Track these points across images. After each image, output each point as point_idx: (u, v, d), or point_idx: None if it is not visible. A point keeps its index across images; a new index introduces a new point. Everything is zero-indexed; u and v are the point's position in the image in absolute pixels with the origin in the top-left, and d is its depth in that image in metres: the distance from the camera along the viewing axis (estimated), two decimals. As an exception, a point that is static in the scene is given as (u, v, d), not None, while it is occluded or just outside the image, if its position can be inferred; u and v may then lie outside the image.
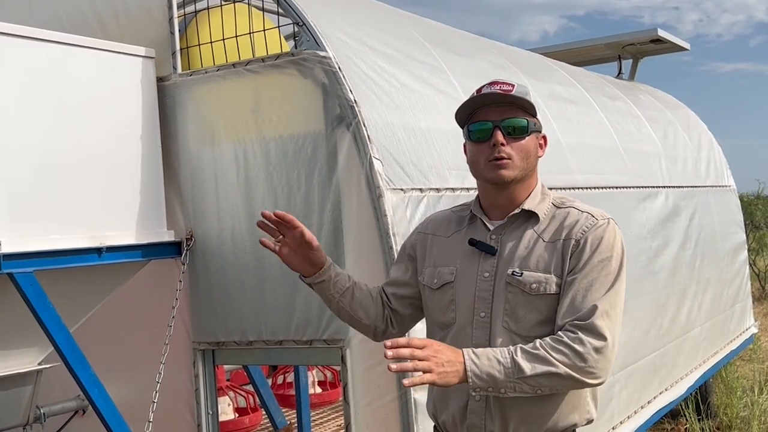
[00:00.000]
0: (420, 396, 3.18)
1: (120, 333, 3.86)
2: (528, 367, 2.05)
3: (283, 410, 5.11)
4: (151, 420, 3.39)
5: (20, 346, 3.33)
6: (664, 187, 6.09)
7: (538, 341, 2.10)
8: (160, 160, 3.64)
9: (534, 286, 2.19)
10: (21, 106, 3.10)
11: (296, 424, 5.01)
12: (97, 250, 3.29)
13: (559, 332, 2.12)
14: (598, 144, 5.46)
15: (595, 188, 4.98)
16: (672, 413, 6.42)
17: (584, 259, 2.17)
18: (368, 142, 3.25)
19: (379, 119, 3.36)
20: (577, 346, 2.07)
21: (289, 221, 2.33)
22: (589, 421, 2.29)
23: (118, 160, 3.46)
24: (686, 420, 6.45)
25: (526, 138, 2.23)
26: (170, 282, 3.64)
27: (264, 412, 5.30)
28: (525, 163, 2.23)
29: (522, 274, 2.20)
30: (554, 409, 2.21)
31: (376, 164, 3.24)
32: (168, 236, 3.62)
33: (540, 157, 2.30)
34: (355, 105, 3.28)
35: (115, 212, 3.42)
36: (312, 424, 5.29)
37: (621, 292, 2.18)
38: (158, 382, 3.44)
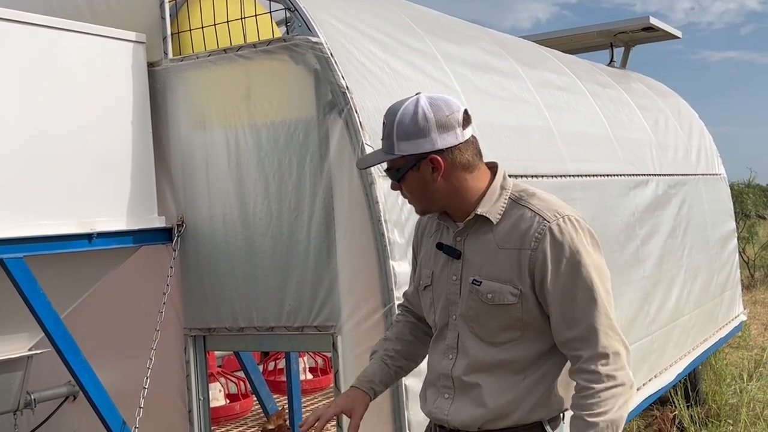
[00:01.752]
0: (411, 382, 3.19)
1: (111, 319, 3.85)
2: None
3: (275, 396, 5.12)
4: (142, 406, 3.39)
5: (10, 331, 3.33)
6: (655, 175, 6.10)
7: (584, 417, 2.05)
8: (150, 146, 3.63)
9: (490, 296, 2.16)
10: (9, 90, 3.07)
11: (287, 410, 5.02)
12: (88, 236, 3.28)
13: (583, 381, 2.09)
14: (589, 132, 5.47)
15: (586, 176, 4.98)
16: (661, 400, 6.45)
17: (551, 273, 2.11)
18: (360, 129, 3.24)
19: (371, 105, 3.35)
20: (608, 384, 2.06)
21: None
22: (562, 411, 2.25)
23: (108, 146, 3.44)
24: (675, 407, 6.49)
25: (406, 179, 2.20)
26: (161, 268, 3.63)
27: (255, 398, 5.31)
28: (421, 197, 2.22)
29: (481, 283, 2.18)
30: (519, 406, 2.19)
31: (368, 150, 3.23)
32: (159, 222, 3.62)
33: (440, 176, 2.16)
34: (347, 91, 3.27)
35: (106, 198, 3.41)
36: (303, 410, 5.28)
37: (604, 288, 2.14)
38: (149, 368, 3.44)
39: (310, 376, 6.12)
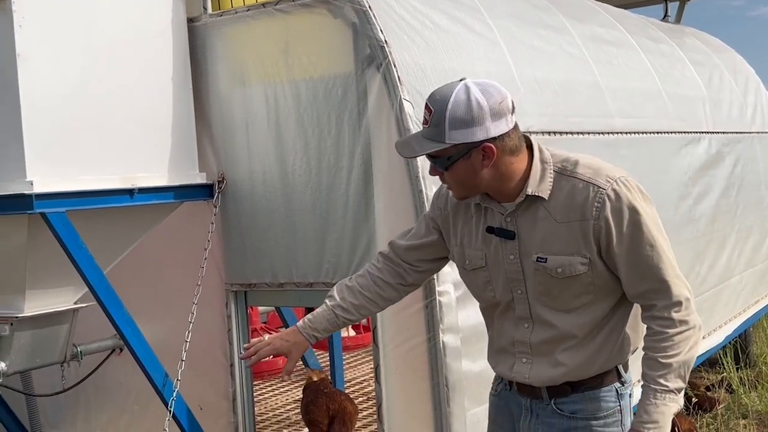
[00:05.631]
0: (449, 339, 3.18)
1: (153, 274, 3.91)
2: (678, 384, 2.17)
3: (316, 353, 5.17)
4: (185, 359, 3.44)
5: (56, 285, 3.39)
6: (708, 132, 5.93)
7: (658, 359, 2.16)
8: (191, 102, 3.64)
9: (560, 270, 2.21)
10: (50, 47, 3.09)
11: (329, 367, 5.07)
12: (129, 192, 3.31)
13: (657, 326, 2.18)
14: (639, 87, 5.32)
15: (635, 133, 4.86)
16: (710, 362, 6.36)
17: (615, 237, 2.16)
18: (398, 84, 3.19)
19: (410, 60, 3.30)
20: (681, 329, 2.17)
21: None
22: (634, 351, 2.35)
23: (149, 102, 3.45)
24: (724, 368, 6.39)
25: (451, 168, 2.18)
26: (202, 224, 3.66)
27: (298, 354, 5.36)
28: (466, 186, 2.22)
29: (546, 260, 2.21)
30: (597, 359, 2.28)
31: (407, 106, 3.19)
32: (200, 178, 3.63)
33: (489, 166, 2.15)
34: (385, 45, 3.22)
35: (147, 154, 3.43)
36: (345, 366, 5.34)
37: (664, 239, 2.20)
38: (191, 322, 3.48)
39: (352, 333, 6.17)
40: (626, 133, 4.76)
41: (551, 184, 2.21)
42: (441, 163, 2.19)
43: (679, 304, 2.18)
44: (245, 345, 2.59)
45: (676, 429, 4.60)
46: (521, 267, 2.26)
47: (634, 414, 2.20)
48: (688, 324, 2.19)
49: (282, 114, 3.51)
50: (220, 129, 3.69)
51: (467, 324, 3.20)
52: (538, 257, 2.22)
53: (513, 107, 2.17)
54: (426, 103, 2.16)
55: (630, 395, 2.37)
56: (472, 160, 2.15)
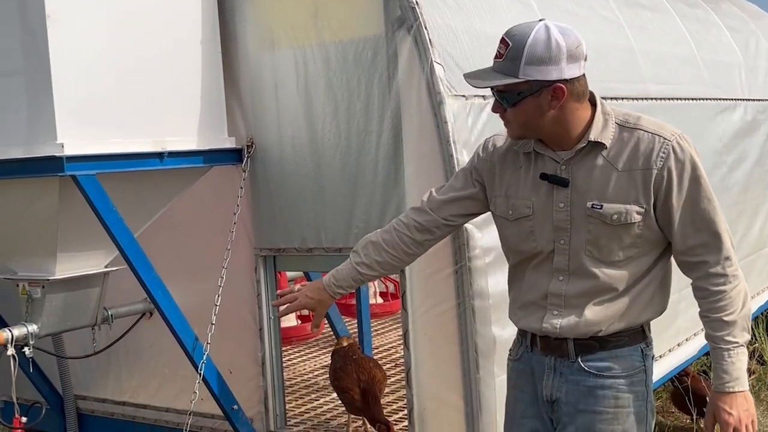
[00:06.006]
0: (479, 304, 3.16)
1: (183, 239, 3.91)
2: (745, 337, 2.26)
3: (345, 320, 5.18)
4: (214, 323, 3.46)
5: (87, 248, 3.41)
6: (743, 99, 5.81)
7: (722, 318, 2.24)
8: (220, 66, 3.61)
9: (615, 217, 2.23)
10: (82, 8, 3.08)
11: (357, 334, 5.08)
12: (159, 155, 3.31)
13: (712, 285, 2.25)
14: (674, 53, 5.21)
15: (669, 99, 4.77)
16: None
17: (675, 189, 2.21)
18: (429, 46, 3.14)
19: (441, 22, 3.24)
20: (735, 284, 2.25)
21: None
22: (660, 313, 2.40)
23: (178, 65, 3.43)
24: (756, 339, 6.30)
25: (519, 104, 2.22)
26: (232, 189, 3.65)
27: (326, 321, 5.38)
28: (527, 126, 2.26)
29: (602, 206, 2.24)
30: (629, 313, 2.32)
31: (438, 69, 3.15)
32: (229, 143, 3.62)
33: (556, 107, 2.20)
34: (416, 7, 3.16)
35: (177, 118, 3.42)
36: (372, 333, 5.35)
37: (714, 196, 2.27)
38: (221, 286, 3.49)
39: (380, 301, 6.17)
40: (660, 99, 4.68)
41: (614, 134, 2.24)
42: (509, 99, 2.23)
43: (729, 259, 2.26)
44: (278, 292, 2.75)
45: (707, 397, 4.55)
46: (570, 216, 2.29)
47: (713, 377, 2.26)
48: (738, 278, 2.27)
49: (311, 78, 3.48)
50: (249, 93, 3.66)
51: (497, 290, 3.17)
52: (593, 204, 2.25)
53: (586, 55, 2.21)
54: (503, 37, 2.20)
55: (653, 357, 2.41)
56: (540, 99, 2.20)
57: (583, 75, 2.21)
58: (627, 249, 2.28)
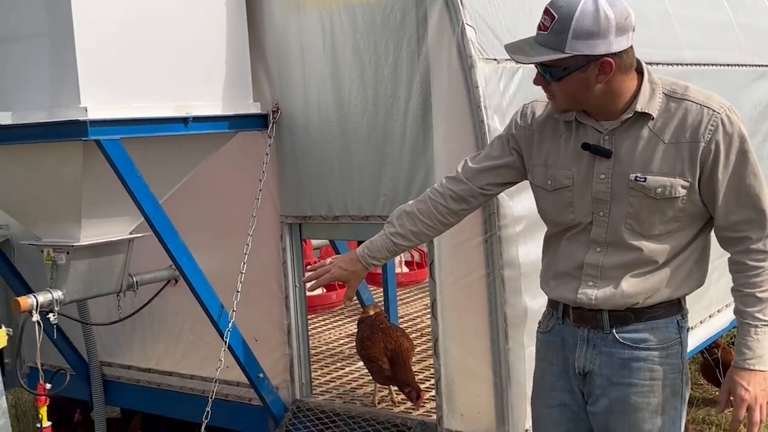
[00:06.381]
0: (509, 274, 3.09)
1: (208, 205, 3.88)
2: None
3: (371, 288, 5.14)
4: (240, 290, 3.43)
5: (111, 215, 3.38)
6: (780, 66, 5.64)
7: (756, 294, 2.18)
8: (245, 30, 3.54)
9: (659, 190, 2.18)
10: (104, -30, 3.02)
11: (383, 302, 5.04)
12: (184, 120, 3.26)
13: (752, 261, 2.20)
14: (710, 18, 5.06)
15: (704, 65, 4.64)
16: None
17: (722, 163, 2.16)
18: (461, 8, 3.05)
19: (472, -17, 3.14)
20: None
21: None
22: (698, 287, 2.35)
23: (203, 30, 3.37)
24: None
25: (565, 79, 2.15)
26: (257, 155, 3.60)
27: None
28: (573, 100, 2.20)
29: (646, 179, 2.19)
30: (666, 286, 2.27)
31: (469, 32, 3.05)
32: (254, 108, 3.56)
33: (603, 81, 2.14)
34: (447, -33, 3.07)
35: (201, 82, 3.36)
36: (398, 302, 5.31)
37: (761, 171, 2.20)
38: (246, 254, 3.45)
39: (405, 270, 6.12)
40: (696, 65, 4.55)
41: (660, 104, 2.18)
42: (554, 73, 2.16)
43: None
44: (309, 267, 2.70)
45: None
46: (611, 187, 2.23)
47: (735, 352, 2.21)
48: None
49: (338, 41, 3.40)
50: (275, 57, 3.59)
51: (528, 260, 3.11)
52: (636, 177, 2.20)
53: (634, 26, 2.14)
54: (547, 8, 2.13)
55: (688, 330, 2.36)
56: (587, 74, 2.13)
57: (631, 46, 2.14)
58: (668, 223, 2.22)
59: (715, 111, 2.15)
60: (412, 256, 6.21)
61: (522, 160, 2.43)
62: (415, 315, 5.48)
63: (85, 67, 2.92)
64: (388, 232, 2.54)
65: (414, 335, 4.76)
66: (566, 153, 2.30)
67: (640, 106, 2.18)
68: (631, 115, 2.19)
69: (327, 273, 2.59)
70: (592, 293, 2.29)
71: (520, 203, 3.09)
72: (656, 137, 2.18)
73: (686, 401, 2.38)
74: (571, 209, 2.30)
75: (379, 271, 5.20)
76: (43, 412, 3.08)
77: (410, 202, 2.58)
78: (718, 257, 2.34)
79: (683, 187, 2.17)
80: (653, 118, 2.18)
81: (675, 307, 2.32)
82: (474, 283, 3.17)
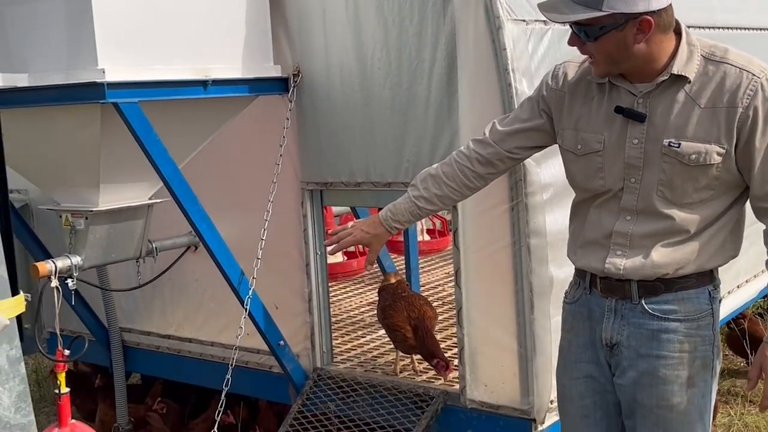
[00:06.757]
0: (535, 242, 3.02)
1: (228, 171, 3.82)
2: None
3: (392, 256, 5.09)
4: (260, 257, 3.38)
5: (130, 180, 3.33)
6: (815, 30, 5.48)
7: None
8: (266, -9, 3.45)
9: (693, 157, 2.10)
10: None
11: (404, 270, 4.99)
12: (203, 83, 3.19)
13: None
14: (743, -21, 4.91)
15: (737, 29, 4.51)
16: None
17: (760, 129, 2.07)
18: (488, -34, 2.95)
19: (501, -60, 3.03)
20: None
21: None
22: (731, 258, 2.28)
23: (223, -10, 3.29)
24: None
25: (601, 39, 2.08)
26: (278, 120, 3.53)
27: (372, 257, 5.28)
28: (611, 61, 2.12)
29: (680, 145, 2.11)
30: (698, 257, 2.20)
31: (497, -9, 2.95)
32: (275, 71, 3.49)
33: (642, 41, 2.07)
34: (474, -77, 2.96)
35: (221, 45, 3.29)
36: (419, 270, 5.25)
37: None
38: (266, 221, 3.40)
39: (427, 238, 6.07)
40: (728, 28, 4.43)
41: (698, 67, 2.10)
42: (591, 33, 2.08)
43: None
44: (330, 231, 2.63)
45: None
46: (644, 153, 2.15)
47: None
48: None
49: (361, 3, 3.31)
50: (296, 19, 3.51)
51: (554, 228, 3.03)
52: (670, 142, 2.11)
53: None
54: None
55: (720, 300, 2.29)
56: (625, 33, 2.05)
57: (670, 4, 2.06)
58: (702, 191, 2.15)
59: (755, 75, 2.06)
60: (434, 224, 6.14)
61: (552, 123, 2.35)
62: (437, 283, 5.42)
63: (102, 28, 2.85)
64: (412, 195, 2.49)
65: (435, 304, 4.70)
66: (598, 116, 2.23)
67: (676, 69, 2.10)
68: (666, 77, 2.12)
69: (349, 236, 2.54)
70: (620, 263, 2.23)
71: (547, 170, 3.01)
72: (692, 101, 2.11)
73: (717, 374, 2.32)
74: (601, 175, 2.23)
75: (401, 238, 5.15)
76: (62, 378, 3.06)
77: (435, 165, 2.52)
78: (749, 225, 2.27)
79: (719, 154, 2.10)
80: (690, 82, 2.11)
81: (707, 278, 2.25)
82: (499, 251, 3.10)
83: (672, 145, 2.12)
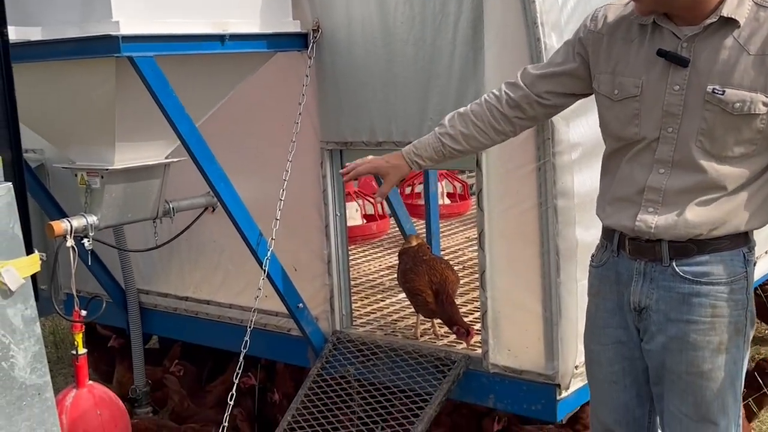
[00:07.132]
0: (562, 203, 2.93)
1: (246, 129, 3.74)
2: None
3: (412, 221, 5.01)
4: (279, 218, 3.30)
5: (146, 138, 3.26)
6: None
7: None
8: (283, -57, 3.34)
9: (738, 105, 2.00)
10: None
11: (425, 234, 4.91)
12: (220, 38, 3.10)
13: None
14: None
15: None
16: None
17: None
18: None
19: None
20: None
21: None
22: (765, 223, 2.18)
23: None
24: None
25: None
26: (297, 77, 3.43)
27: (391, 221, 5.22)
28: None
29: (724, 92, 2.01)
30: (735, 217, 2.11)
31: (526, -59, 2.83)
32: (293, 27, 3.39)
33: None
34: None
35: (238, -2, 3.19)
36: (440, 234, 5.17)
37: None
38: (285, 181, 3.32)
39: (447, 201, 5.98)
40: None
41: (749, 12, 1.99)
42: None
43: None
44: (346, 164, 2.56)
45: None
46: (684, 100, 2.04)
47: None
48: None
49: (383, -47, 3.19)
50: (316, -28, 3.40)
51: (583, 189, 2.94)
52: (714, 89, 2.00)
53: None
54: None
55: (755, 264, 2.19)
56: None
57: None
58: (743, 144, 2.04)
59: None
60: (455, 188, 6.05)
61: (586, 68, 2.25)
62: (457, 248, 5.35)
63: (116, -22, 2.76)
64: (438, 132, 2.43)
65: (456, 268, 4.63)
66: (637, 59, 2.12)
67: (726, 11, 2.00)
68: (715, 20, 2.01)
69: (366, 163, 2.48)
70: (652, 220, 2.13)
71: (576, 129, 2.91)
72: (741, 47, 2.00)
73: (750, 340, 2.23)
74: (637, 122, 2.13)
75: (421, 202, 5.06)
76: (79, 339, 3.02)
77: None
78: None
79: (764, 104, 2.00)
80: (739, 26, 1.99)
81: (741, 239, 2.15)
82: (525, 212, 3.02)
83: (716, 92, 2.01)
